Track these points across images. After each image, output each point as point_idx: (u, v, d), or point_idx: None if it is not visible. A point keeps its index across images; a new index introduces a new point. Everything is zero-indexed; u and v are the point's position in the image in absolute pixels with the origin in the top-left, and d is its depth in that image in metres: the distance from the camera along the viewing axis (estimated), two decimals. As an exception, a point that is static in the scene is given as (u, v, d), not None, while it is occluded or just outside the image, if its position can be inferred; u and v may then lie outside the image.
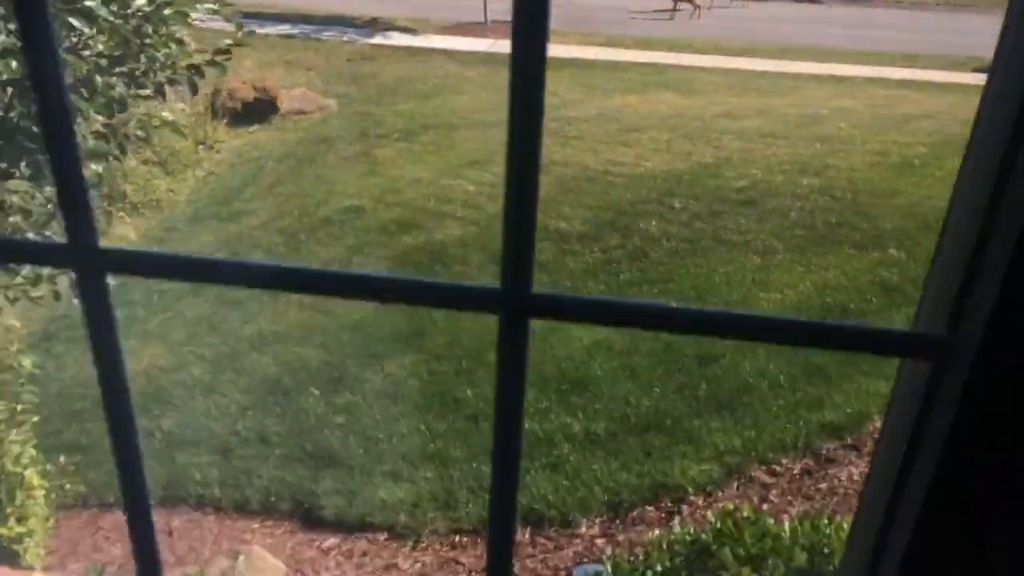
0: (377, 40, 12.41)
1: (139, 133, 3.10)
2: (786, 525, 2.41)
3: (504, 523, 0.90)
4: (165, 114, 3.30)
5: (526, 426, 4.17)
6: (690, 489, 3.73)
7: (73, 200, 0.82)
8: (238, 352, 5.10)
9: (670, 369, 4.65)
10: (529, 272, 0.75)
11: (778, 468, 3.78)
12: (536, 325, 5.69)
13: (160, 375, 4.88)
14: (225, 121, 8.79)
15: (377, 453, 4.24)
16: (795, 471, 3.73)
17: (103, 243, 0.75)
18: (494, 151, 7.98)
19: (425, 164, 7.69)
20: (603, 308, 0.93)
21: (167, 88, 3.26)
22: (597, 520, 3.69)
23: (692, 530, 2.61)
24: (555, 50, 10.95)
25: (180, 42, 3.17)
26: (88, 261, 0.82)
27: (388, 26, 13.02)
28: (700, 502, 3.64)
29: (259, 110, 9.10)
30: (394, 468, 4.14)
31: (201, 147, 8.24)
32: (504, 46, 12.23)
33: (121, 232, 6.71)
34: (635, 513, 3.67)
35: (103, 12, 2.89)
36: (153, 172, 7.44)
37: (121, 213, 6.88)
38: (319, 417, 4.48)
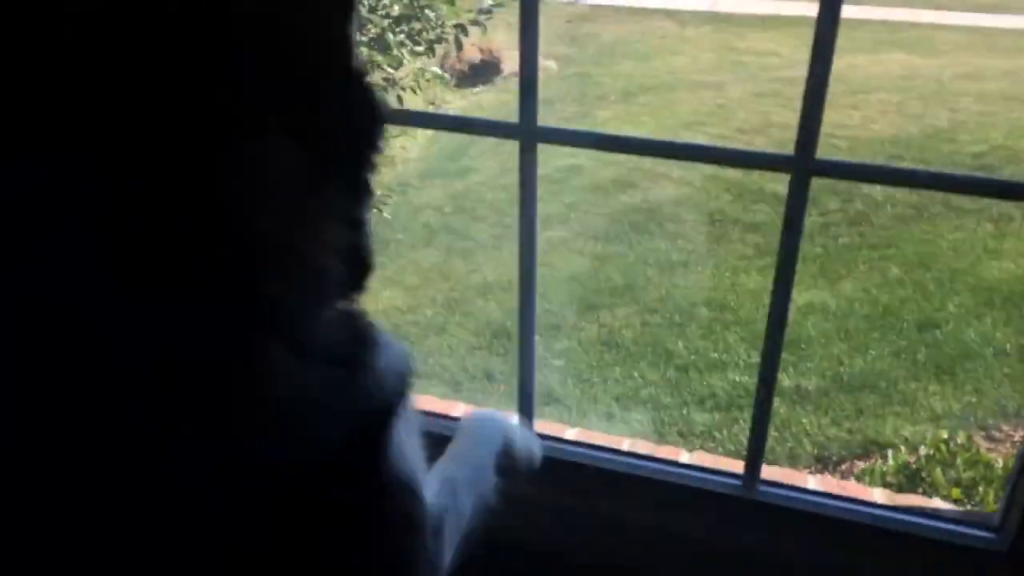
0: (597, 0, 12.63)
1: (412, 85, 3.58)
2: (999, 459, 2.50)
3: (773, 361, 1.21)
4: (435, 69, 3.77)
5: (735, 378, 4.34)
6: (903, 449, 3.80)
7: (527, 89, 1.18)
8: (466, 298, 5.58)
9: (887, 333, 4.66)
10: (815, 142, 1.07)
11: (997, 434, 3.76)
12: (752, 285, 5.73)
13: (397, 315, 5.44)
14: (453, 82, 9.37)
15: (592, 396, 4.57)
16: (1015, 438, 3.70)
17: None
18: (711, 112, 8.05)
19: (642, 126, 7.89)
20: (880, 171, 1.27)
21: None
22: (805, 471, 3.84)
23: (903, 460, 2.73)
24: (778, 7, 10.74)
25: (451, 2, 3.61)
26: (530, 134, 1.19)
27: (608, -13, 13.19)
28: (912, 461, 3.70)
29: (484, 72, 9.61)
30: (608, 410, 4.45)
31: (431, 107, 8.85)
32: (726, 4, 11.97)
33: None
34: (844, 467, 3.79)
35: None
36: (389, 130, 8.10)
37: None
38: (539, 360, 4.86)
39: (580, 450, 1.46)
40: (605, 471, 1.41)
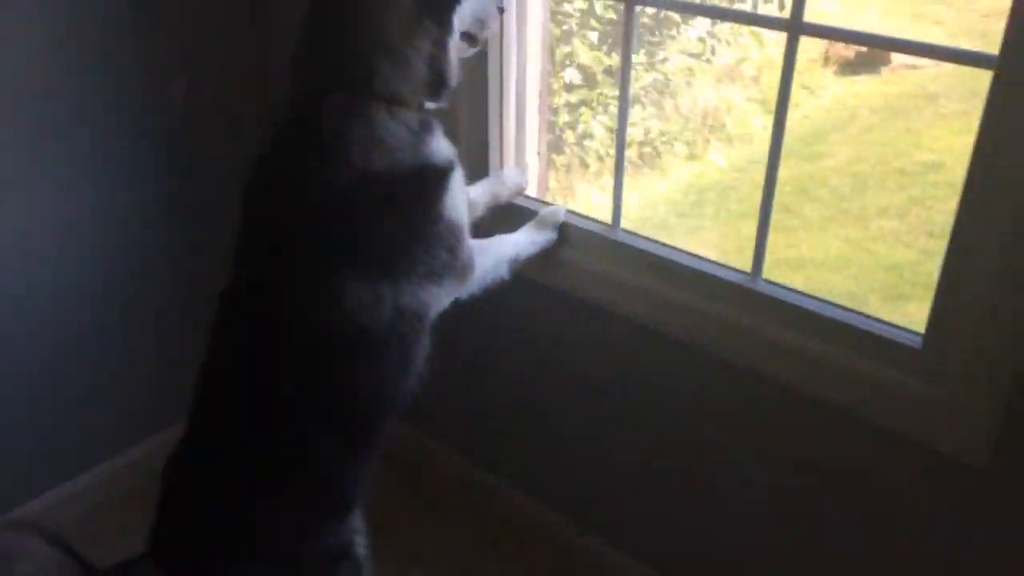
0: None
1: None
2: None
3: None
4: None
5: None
6: None
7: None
8: (777, 269, 5.94)
9: None
10: (803, 5, 1.65)
11: None
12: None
13: (707, 273, 6.03)
14: (833, 70, 9.53)
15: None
16: None
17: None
18: None
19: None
20: (864, 37, 1.77)
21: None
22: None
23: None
24: None
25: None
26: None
27: (1049, -20, 12.22)
28: None
29: (870, 61, 9.60)
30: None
31: (804, 91, 9.13)
32: None
33: (713, 158, 8.00)
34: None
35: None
36: (753, 109, 8.58)
37: (717, 143, 8.17)
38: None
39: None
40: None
